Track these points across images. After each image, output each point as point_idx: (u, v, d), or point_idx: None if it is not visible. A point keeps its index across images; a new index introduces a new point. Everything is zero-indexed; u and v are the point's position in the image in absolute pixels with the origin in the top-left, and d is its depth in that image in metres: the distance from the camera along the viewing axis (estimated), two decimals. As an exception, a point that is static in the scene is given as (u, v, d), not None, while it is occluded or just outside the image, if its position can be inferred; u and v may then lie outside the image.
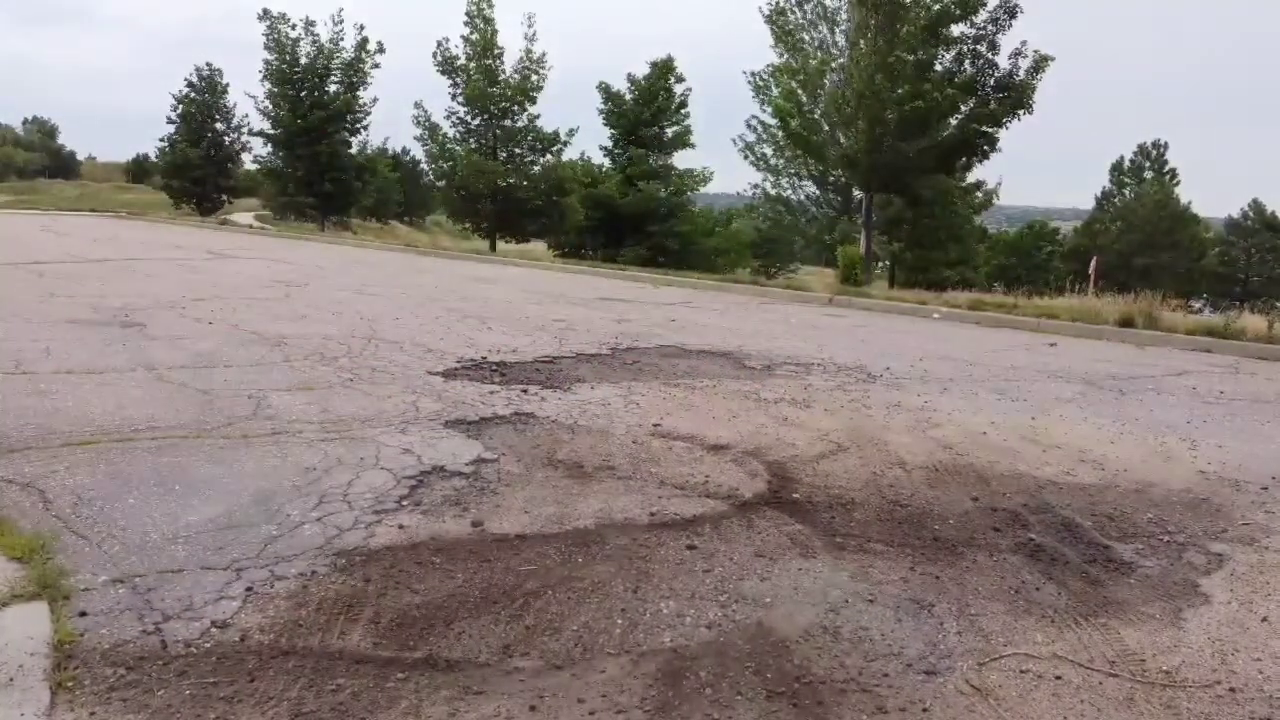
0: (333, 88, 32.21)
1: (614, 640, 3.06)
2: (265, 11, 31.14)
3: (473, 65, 28.59)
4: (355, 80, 32.29)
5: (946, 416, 6.40)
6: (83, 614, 3.02)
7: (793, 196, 34.55)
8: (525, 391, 6.58)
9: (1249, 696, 2.85)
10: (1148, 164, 55.99)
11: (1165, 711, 2.75)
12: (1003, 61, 21.13)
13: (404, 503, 4.22)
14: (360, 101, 32.76)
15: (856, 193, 27.92)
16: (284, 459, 4.75)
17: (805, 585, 3.55)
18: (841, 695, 2.78)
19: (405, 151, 53.27)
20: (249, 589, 3.28)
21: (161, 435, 5.07)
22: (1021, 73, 20.93)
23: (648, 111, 30.87)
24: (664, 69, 30.81)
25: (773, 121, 27.85)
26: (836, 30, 23.58)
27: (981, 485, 4.89)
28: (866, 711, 2.70)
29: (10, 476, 4.26)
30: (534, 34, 28.49)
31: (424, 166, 37.06)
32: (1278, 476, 5.24)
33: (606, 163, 32.27)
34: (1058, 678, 2.92)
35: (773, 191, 34.54)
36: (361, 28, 32.40)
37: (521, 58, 28.74)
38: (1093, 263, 19.33)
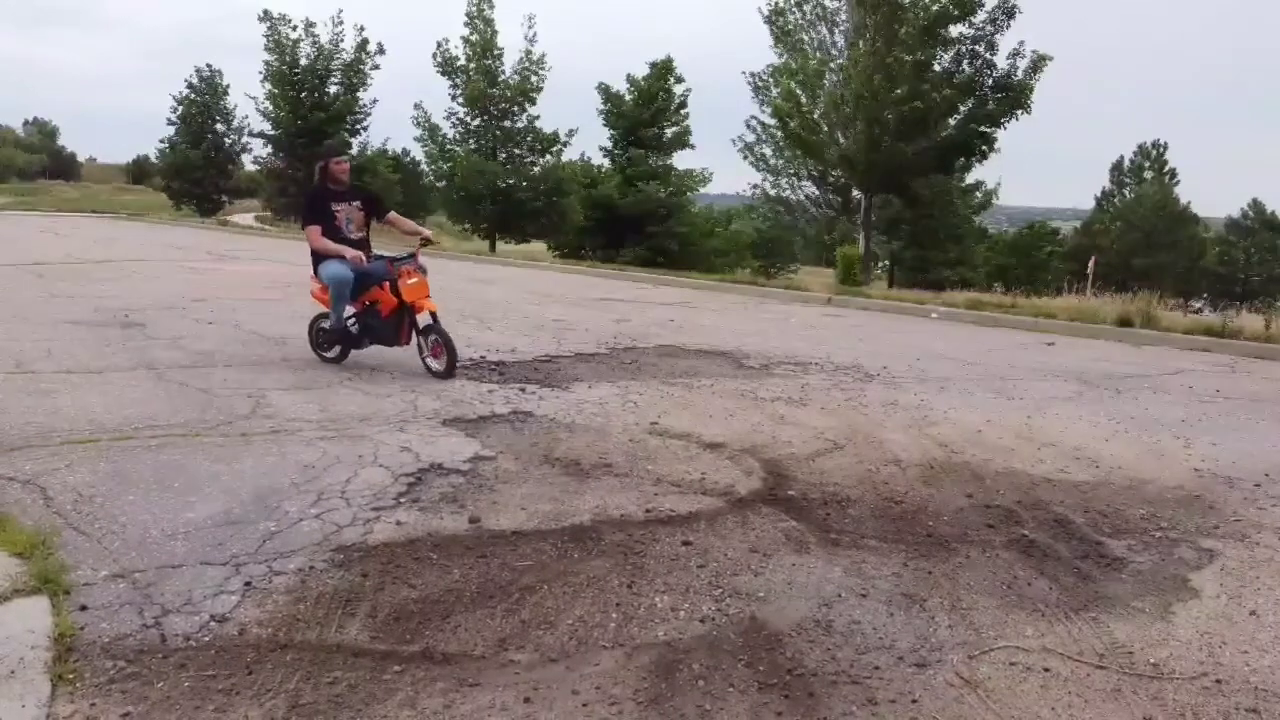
0: (333, 89, 32.26)
1: (608, 634, 3.10)
2: (266, 13, 31.21)
3: (473, 66, 28.65)
4: (355, 81, 32.33)
5: (942, 415, 6.43)
6: (83, 608, 3.06)
7: (792, 197, 34.59)
8: (523, 390, 6.61)
9: (1234, 688, 2.89)
10: (1147, 164, 56.10)
11: (1151, 703, 2.79)
12: (1001, 62, 21.20)
13: (402, 500, 4.26)
14: (360, 102, 32.82)
15: (856, 193, 27.94)
16: (283, 457, 4.78)
17: (799, 580, 3.59)
18: (832, 687, 2.81)
19: (405, 152, 53.27)
20: (248, 584, 3.32)
21: (162, 433, 5.10)
22: (1020, 73, 20.99)
23: (647, 112, 30.90)
24: (663, 69, 30.83)
25: (772, 122, 27.86)
26: (836, 31, 23.61)
27: (976, 482, 4.92)
28: (857, 703, 2.74)
29: (12, 474, 4.30)
30: (534, 35, 28.57)
31: (424, 167, 37.08)
32: (1270, 473, 5.27)
33: (606, 163, 32.30)
34: (1046, 670, 2.95)
35: (772, 192, 34.59)
36: (361, 29, 32.47)
37: (521, 58, 28.81)
38: (1091, 263, 19.40)
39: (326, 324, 7.24)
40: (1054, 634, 3.21)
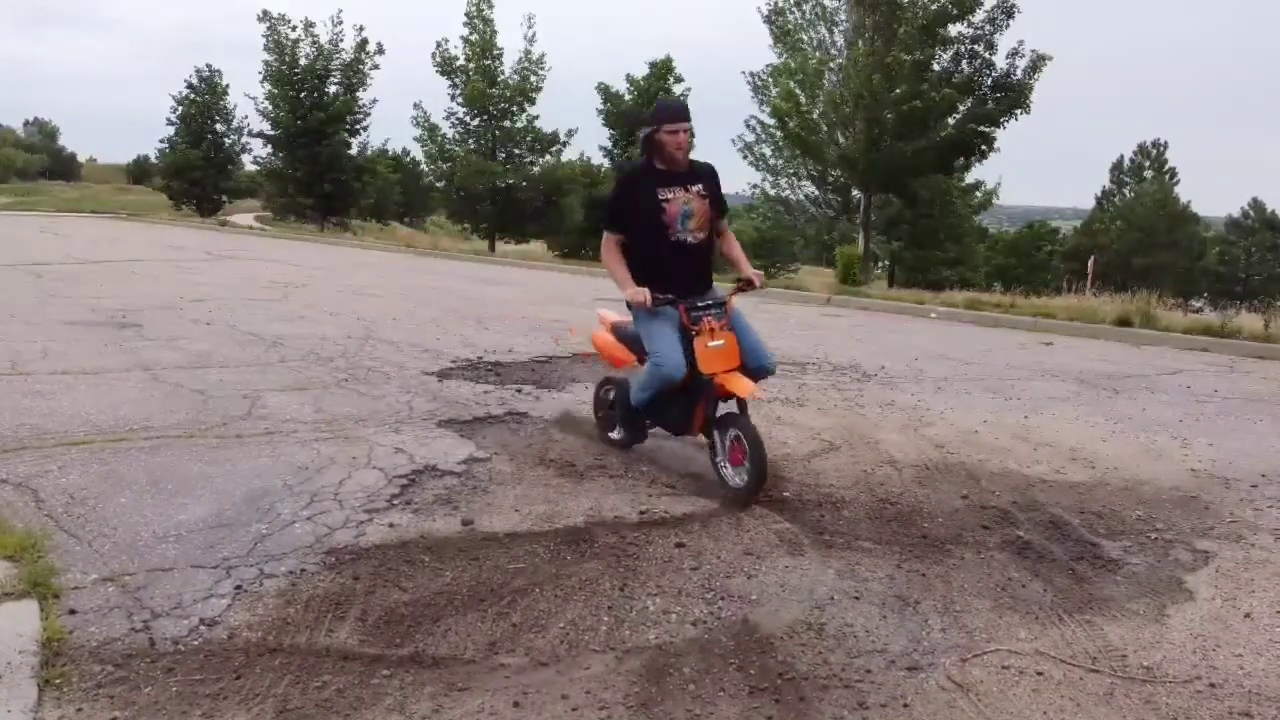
0: (332, 89, 32.25)
1: (600, 637, 3.08)
2: (265, 13, 31.20)
3: (472, 66, 28.65)
4: (355, 81, 32.33)
5: (939, 415, 6.42)
6: (72, 612, 3.05)
7: (792, 197, 34.44)
8: (520, 391, 6.60)
9: (1228, 691, 2.87)
10: (1148, 163, 56.07)
11: (1144, 707, 2.77)
12: (1000, 61, 21.16)
13: (395, 501, 4.25)
14: (360, 102, 32.81)
15: (855, 193, 27.90)
16: (277, 458, 4.77)
17: (792, 583, 3.57)
18: (824, 691, 2.80)
19: (405, 152, 53.23)
20: (238, 587, 3.31)
21: (156, 435, 5.09)
22: (1019, 72, 20.94)
23: (647, 112, 30.86)
24: (663, 69, 30.81)
25: (771, 122, 27.82)
26: (835, 30, 23.57)
27: (971, 483, 4.91)
28: (848, 707, 2.72)
29: (4, 476, 4.29)
30: (533, 35, 28.59)
31: (424, 167, 37.08)
32: (1267, 474, 5.25)
33: (606, 163, 32.28)
34: (1039, 673, 2.94)
35: (772, 192, 34.47)
36: (361, 29, 32.45)
37: (521, 58, 28.82)
38: (1090, 262, 19.38)
39: (612, 394, 5.26)
40: (1047, 637, 3.19)
